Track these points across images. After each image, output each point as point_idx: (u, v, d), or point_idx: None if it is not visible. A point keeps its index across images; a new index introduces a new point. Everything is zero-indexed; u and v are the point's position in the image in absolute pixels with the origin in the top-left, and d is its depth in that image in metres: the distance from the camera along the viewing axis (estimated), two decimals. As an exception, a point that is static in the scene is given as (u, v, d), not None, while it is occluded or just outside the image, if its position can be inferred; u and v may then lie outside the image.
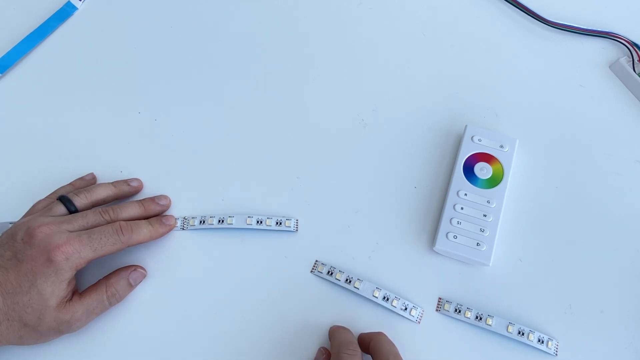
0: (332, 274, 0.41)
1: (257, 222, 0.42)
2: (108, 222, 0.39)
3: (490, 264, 0.40)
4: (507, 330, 0.39)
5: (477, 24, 0.52)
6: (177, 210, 0.44)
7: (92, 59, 0.51)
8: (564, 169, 0.45)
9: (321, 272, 0.41)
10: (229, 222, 0.42)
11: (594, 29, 0.50)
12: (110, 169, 0.46)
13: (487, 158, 0.43)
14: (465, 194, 0.42)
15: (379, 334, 0.37)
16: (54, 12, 0.53)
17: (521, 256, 0.42)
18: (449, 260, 0.42)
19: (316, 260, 0.42)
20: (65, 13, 0.53)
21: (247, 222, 0.42)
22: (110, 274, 0.40)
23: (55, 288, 0.35)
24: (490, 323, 0.39)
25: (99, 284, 0.39)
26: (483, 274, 0.41)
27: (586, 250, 0.42)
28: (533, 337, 0.38)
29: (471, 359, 0.39)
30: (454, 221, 0.41)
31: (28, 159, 0.47)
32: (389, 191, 0.45)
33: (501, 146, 0.44)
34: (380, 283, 0.41)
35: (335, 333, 0.38)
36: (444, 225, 0.41)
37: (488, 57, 0.50)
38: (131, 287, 0.40)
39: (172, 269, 0.42)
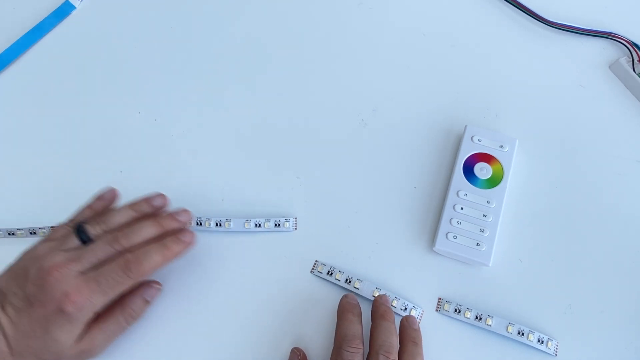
0: (332, 274, 0.41)
1: (256, 225, 0.42)
2: (119, 252, 0.36)
3: (490, 264, 0.40)
4: (506, 330, 0.39)
5: (477, 24, 0.52)
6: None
7: (90, 58, 0.51)
8: (564, 169, 0.45)
9: (321, 272, 0.41)
10: (226, 225, 0.42)
11: (594, 29, 0.50)
12: (110, 169, 0.46)
13: (487, 158, 0.43)
14: (465, 194, 0.42)
15: (384, 318, 0.36)
16: (52, 10, 0.53)
17: (521, 256, 0.42)
18: (449, 260, 0.42)
19: (316, 261, 0.42)
20: (63, 12, 0.53)
21: (246, 226, 0.42)
22: (125, 295, 0.37)
23: (71, 334, 0.34)
24: (490, 323, 0.39)
25: (115, 306, 0.37)
26: (483, 274, 0.41)
27: (586, 250, 0.42)
28: (533, 337, 0.38)
29: (475, 350, 0.39)
30: (454, 221, 0.41)
31: (24, 159, 0.47)
32: (389, 191, 0.45)
33: (501, 146, 0.44)
34: (380, 283, 0.41)
35: (340, 322, 0.37)
36: (443, 226, 0.41)
37: (488, 57, 0.50)
38: (147, 303, 0.38)
39: (172, 271, 0.42)
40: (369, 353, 0.35)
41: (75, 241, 0.36)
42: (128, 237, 0.36)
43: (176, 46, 0.52)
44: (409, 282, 0.41)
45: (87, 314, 0.34)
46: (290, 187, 0.45)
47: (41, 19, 0.52)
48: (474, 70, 0.50)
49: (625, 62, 0.48)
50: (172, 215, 0.39)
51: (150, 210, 0.40)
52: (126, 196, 0.45)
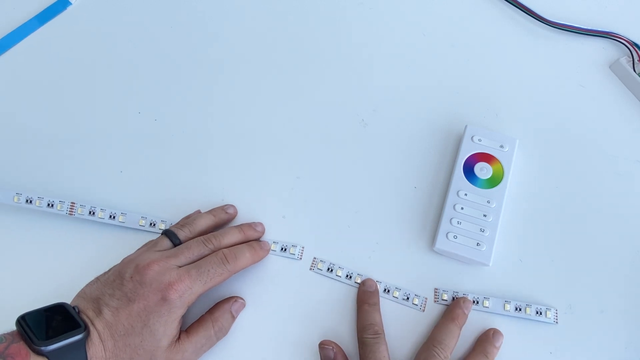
0: (332, 270, 0.41)
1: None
2: (212, 251, 0.38)
3: (490, 264, 0.40)
4: (504, 309, 0.39)
5: (477, 24, 0.52)
6: (176, 211, 0.44)
7: (88, 56, 0.51)
8: (564, 169, 0.45)
9: (321, 270, 0.41)
10: None
11: (594, 29, 0.50)
12: (110, 170, 0.46)
13: (487, 158, 0.43)
14: (465, 194, 0.42)
15: (454, 321, 0.38)
16: (47, 6, 0.52)
17: (521, 256, 0.42)
18: (449, 260, 0.42)
19: (314, 258, 0.42)
20: (58, 7, 0.53)
21: None
22: (213, 307, 0.39)
23: (167, 328, 0.35)
24: (487, 305, 0.39)
25: (205, 319, 0.38)
26: (483, 274, 0.41)
27: (586, 250, 0.42)
28: (530, 311, 0.39)
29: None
30: (454, 221, 0.41)
31: (24, 158, 0.46)
32: (389, 191, 0.45)
33: (501, 146, 0.44)
34: (381, 281, 0.41)
35: (359, 313, 0.39)
36: (444, 225, 0.41)
37: (488, 57, 0.50)
38: (233, 319, 0.39)
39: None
40: (426, 342, 0.38)
41: (167, 243, 0.39)
42: (218, 239, 0.39)
43: (176, 45, 0.51)
44: (409, 281, 0.41)
45: (185, 304, 0.35)
46: (290, 187, 0.45)
47: (35, 14, 0.52)
48: (474, 70, 0.50)
49: (625, 62, 0.48)
50: (251, 225, 0.42)
51: (226, 217, 0.43)
52: (126, 196, 0.45)
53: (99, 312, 0.34)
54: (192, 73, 0.50)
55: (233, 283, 0.41)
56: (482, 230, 0.41)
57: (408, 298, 0.40)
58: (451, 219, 0.41)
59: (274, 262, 0.42)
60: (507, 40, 0.51)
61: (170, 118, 0.48)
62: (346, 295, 0.41)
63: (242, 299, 0.40)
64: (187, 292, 0.35)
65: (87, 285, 0.37)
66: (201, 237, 0.39)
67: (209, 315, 0.39)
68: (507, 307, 0.39)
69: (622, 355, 0.39)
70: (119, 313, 0.34)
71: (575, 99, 0.48)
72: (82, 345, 0.32)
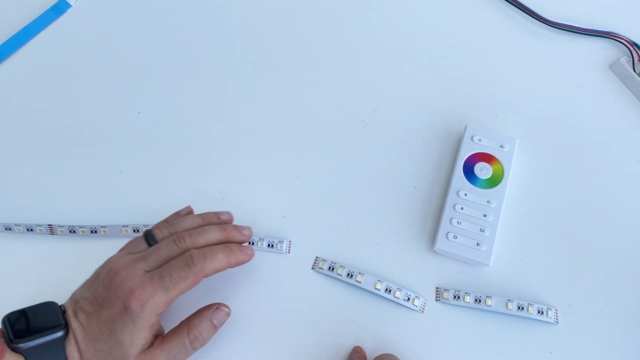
0: (333, 269, 0.41)
1: (251, 243, 0.42)
2: (182, 251, 0.35)
3: (490, 264, 0.40)
4: (507, 307, 0.39)
5: (477, 24, 0.52)
6: (176, 211, 0.44)
7: (88, 57, 0.51)
8: (564, 169, 0.45)
9: (322, 269, 0.41)
10: None
11: (594, 29, 0.50)
12: (110, 169, 0.46)
13: (487, 158, 0.43)
14: (465, 194, 0.42)
15: (387, 355, 0.37)
16: (47, 8, 0.53)
17: (521, 256, 0.42)
18: (449, 260, 0.42)
19: (316, 257, 0.42)
20: (58, 10, 0.53)
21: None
22: (192, 314, 0.37)
23: (134, 337, 0.33)
24: (489, 303, 0.39)
25: (181, 327, 0.36)
26: (483, 274, 0.41)
27: (586, 250, 0.42)
28: (533, 310, 0.39)
29: (477, 342, 0.39)
30: (454, 221, 0.41)
31: (23, 158, 0.46)
32: (389, 191, 0.45)
33: (501, 146, 0.44)
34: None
35: None
36: (444, 225, 0.41)
37: (488, 57, 0.50)
38: (215, 328, 0.36)
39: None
40: None
41: (143, 244, 0.37)
42: (192, 237, 0.36)
43: (176, 45, 0.52)
44: (409, 282, 0.41)
45: (150, 313, 0.33)
46: (290, 186, 0.45)
47: (35, 17, 0.52)
48: (474, 70, 0.50)
49: (625, 62, 0.48)
50: (237, 227, 0.39)
51: (217, 222, 0.40)
52: (126, 196, 0.45)
53: (75, 314, 0.34)
54: (192, 73, 0.50)
55: (228, 283, 0.41)
56: (482, 230, 0.41)
57: (409, 299, 0.40)
58: (451, 219, 0.41)
59: (273, 261, 0.42)
60: (507, 40, 0.51)
61: (170, 118, 0.48)
62: (346, 295, 0.41)
63: (226, 306, 0.37)
64: (148, 301, 0.33)
65: (75, 291, 0.36)
66: (174, 236, 0.37)
67: (186, 322, 0.36)
68: (510, 305, 0.39)
69: (622, 355, 0.39)
70: (90, 318, 0.33)
71: (575, 99, 0.48)
72: (60, 344, 0.32)
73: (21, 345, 0.32)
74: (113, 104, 0.49)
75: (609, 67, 0.49)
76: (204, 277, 0.35)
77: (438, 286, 0.41)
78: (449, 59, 0.50)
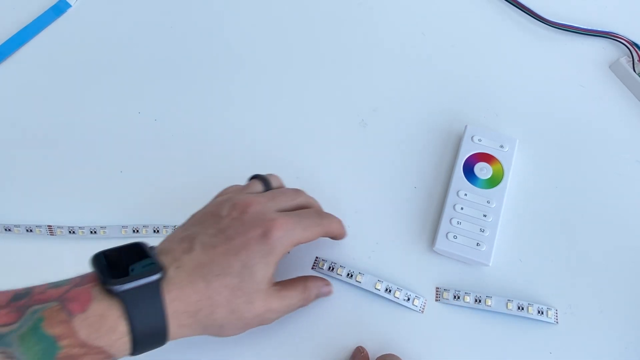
0: (333, 269, 0.41)
1: None
2: (303, 204, 0.37)
3: (490, 264, 0.40)
4: (507, 307, 0.39)
5: (477, 24, 0.52)
6: (176, 211, 0.44)
7: (88, 57, 0.51)
8: (564, 169, 0.45)
9: (322, 269, 0.41)
10: None
11: (594, 29, 0.50)
12: (110, 169, 0.46)
13: (487, 158, 0.43)
14: (465, 194, 0.42)
15: (390, 355, 0.37)
16: (47, 8, 0.53)
17: (521, 256, 0.42)
18: (449, 260, 0.42)
19: (316, 257, 0.42)
20: (58, 10, 0.53)
21: None
22: (306, 277, 0.38)
23: (266, 271, 0.32)
24: (489, 304, 0.39)
25: (297, 282, 0.36)
26: (483, 274, 0.41)
27: (586, 250, 0.42)
28: (533, 310, 0.39)
29: (477, 342, 0.39)
30: (454, 221, 0.41)
31: (22, 158, 0.46)
32: (389, 191, 0.45)
33: (501, 146, 0.44)
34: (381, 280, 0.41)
35: None
36: (444, 225, 0.41)
37: (488, 57, 0.50)
38: (318, 295, 0.38)
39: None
40: None
41: (260, 186, 0.37)
42: (307, 198, 0.38)
43: (176, 45, 0.52)
44: (409, 282, 0.41)
45: (287, 246, 0.33)
46: (290, 187, 0.45)
47: (35, 17, 0.52)
48: (474, 70, 0.50)
49: (625, 62, 0.48)
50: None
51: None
52: (126, 196, 0.45)
53: (190, 250, 0.31)
54: (192, 73, 0.50)
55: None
56: (482, 230, 0.41)
57: (409, 299, 0.40)
58: (451, 219, 0.41)
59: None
60: (507, 40, 0.51)
61: (170, 118, 0.48)
62: (346, 295, 0.41)
63: (331, 286, 0.39)
64: (287, 234, 0.32)
65: (169, 234, 0.34)
66: (294, 188, 0.37)
67: (303, 280, 0.36)
68: (510, 305, 0.39)
69: (622, 355, 0.39)
70: (215, 251, 0.31)
71: (575, 99, 0.48)
72: (156, 287, 0.29)
73: (116, 287, 0.28)
74: (113, 104, 0.49)
75: (609, 67, 0.49)
76: (324, 235, 0.37)
77: (438, 286, 0.41)
78: (449, 58, 0.50)
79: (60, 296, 0.28)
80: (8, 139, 0.48)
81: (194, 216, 0.35)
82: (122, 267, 0.30)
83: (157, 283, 0.29)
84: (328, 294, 0.39)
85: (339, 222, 0.39)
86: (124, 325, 0.28)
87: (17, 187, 0.45)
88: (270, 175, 0.39)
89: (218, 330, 0.32)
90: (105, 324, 0.27)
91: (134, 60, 0.51)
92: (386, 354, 0.37)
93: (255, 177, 0.38)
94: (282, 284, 0.35)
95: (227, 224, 0.32)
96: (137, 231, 0.42)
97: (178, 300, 0.30)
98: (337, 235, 0.39)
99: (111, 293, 0.28)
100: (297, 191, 0.38)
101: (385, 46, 0.51)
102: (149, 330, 0.29)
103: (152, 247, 0.32)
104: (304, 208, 0.37)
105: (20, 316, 0.27)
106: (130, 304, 0.28)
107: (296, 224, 0.33)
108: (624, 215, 0.43)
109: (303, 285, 0.36)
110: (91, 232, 0.43)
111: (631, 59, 0.48)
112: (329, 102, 0.49)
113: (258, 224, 0.32)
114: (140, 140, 0.47)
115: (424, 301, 0.40)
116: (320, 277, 0.39)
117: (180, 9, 0.53)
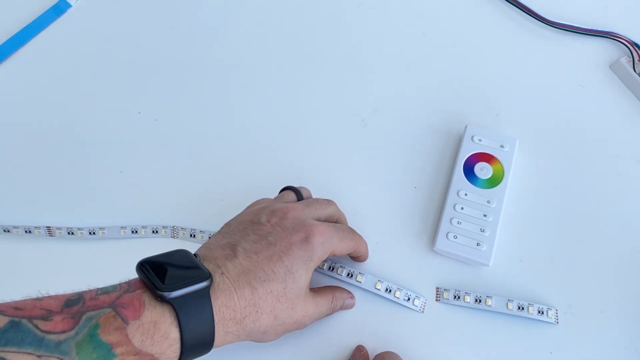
0: (333, 269, 0.41)
1: None
2: (332, 215, 0.37)
3: (490, 264, 0.40)
4: (507, 307, 0.39)
5: (477, 24, 0.52)
6: (176, 211, 0.44)
7: (88, 57, 0.51)
8: (564, 169, 0.45)
9: (322, 269, 0.41)
10: None
11: (594, 29, 0.50)
12: (110, 169, 0.46)
13: (487, 158, 0.43)
14: (466, 194, 0.42)
15: (388, 353, 0.37)
16: (47, 8, 0.53)
17: (521, 256, 0.42)
18: (449, 260, 0.42)
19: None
20: (58, 10, 0.53)
21: None
22: (334, 287, 0.39)
23: (307, 276, 0.32)
24: (490, 303, 0.39)
25: (328, 291, 0.37)
26: (483, 274, 0.41)
27: (586, 250, 0.42)
28: (533, 310, 0.39)
29: (478, 342, 0.39)
30: (454, 221, 0.41)
31: (22, 158, 0.46)
32: (389, 191, 0.45)
33: (501, 146, 0.44)
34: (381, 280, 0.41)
35: None
36: (444, 225, 0.41)
37: (488, 57, 0.50)
38: (343, 307, 0.39)
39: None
40: None
41: (293, 196, 0.37)
42: (338, 211, 0.39)
43: (176, 45, 0.52)
44: (410, 282, 0.41)
45: (325, 252, 0.33)
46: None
47: (35, 17, 0.52)
48: (474, 70, 0.50)
49: (625, 61, 0.48)
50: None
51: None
52: (126, 196, 0.45)
53: (232, 257, 0.31)
54: (192, 73, 0.50)
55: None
56: (482, 230, 0.41)
57: (409, 299, 0.40)
58: (451, 219, 0.41)
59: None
60: (508, 40, 0.51)
61: (170, 118, 0.48)
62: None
63: (354, 300, 0.39)
64: (327, 241, 0.33)
65: (207, 241, 0.33)
66: (326, 198, 0.38)
67: (331, 289, 0.37)
68: (510, 305, 0.39)
69: (622, 355, 0.39)
70: (258, 257, 0.31)
71: (576, 99, 0.48)
72: (206, 294, 0.29)
73: (166, 293, 0.28)
74: (113, 104, 0.49)
75: (609, 67, 0.49)
76: (353, 252, 0.37)
77: (438, 286, 0.41)
78: (449, 58, 0.50)
79: (113, 302, 0.28)
80: (8, 139, 0.48)
81: (229, 224, 0.35)
82: (165, 273, 0.29)
83: (206, 290, 0.29)
84: (352, 306, 0.39)
85: (366, 244, 0.40)
86: (175, 332, 0.28)
87: (16, 187, 0.45)
88: (301, 187, 0.40)
89: (260, 336, 0.32)
90: (159, 331, 0.27)
91: (134, 60, 0.51)
92: (384, 352, 0.37)
93: (287, 188, 0.39)
94: (316, 291, 0.36)
95: (268, 230, 0.32)
96: (136, 232, 0.42)
97: (225, 307, 0.30)
98: (363, 255, 0.40)
99: (162, 300, 0.28)
100: (329, 201, 0.38)
101: (385, 46, 0.51)
102: (197, 338, 0.28)
103: (196, 255, 0.32)
104: (334, 218, 0.38)
105: (75, 323, 0.26)
106: (182, 311, 0.28)
107: (334, 233, 0.34)
108: (624, 215, 0.43)
109: (332, 294, 0.37)
110: (90, 233, 0.42)
111: (631, 59, 0.48)
112: (329, 102, 0.49)
113: (299, 228, 0.32)
114: (140, 140, 0.47)
115: (424, 301, 0.40)
116: (346, 290, 0.40)
117: (180, 9, 0.53)
